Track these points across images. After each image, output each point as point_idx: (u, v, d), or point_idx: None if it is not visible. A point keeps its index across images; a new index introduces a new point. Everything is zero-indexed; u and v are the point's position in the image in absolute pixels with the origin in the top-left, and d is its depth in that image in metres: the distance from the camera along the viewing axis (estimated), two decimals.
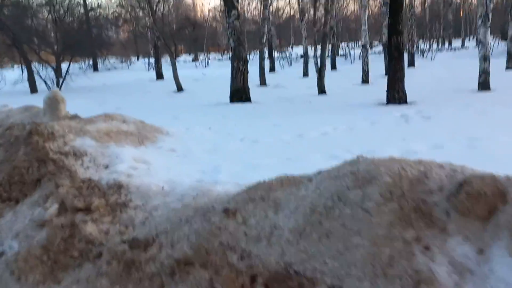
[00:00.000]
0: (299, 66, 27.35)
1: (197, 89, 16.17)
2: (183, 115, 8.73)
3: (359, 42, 36.91)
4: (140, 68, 34.29)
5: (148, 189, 3.28)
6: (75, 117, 5.48)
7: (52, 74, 19.34)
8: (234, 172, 3.95)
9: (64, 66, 20.84)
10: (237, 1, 10.05)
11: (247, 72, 10.31)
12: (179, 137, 5.95)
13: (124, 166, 3.88)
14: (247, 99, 10.32)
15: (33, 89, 17.15)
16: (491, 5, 10.09)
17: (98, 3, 27.94)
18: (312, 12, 22.56)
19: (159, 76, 22.63)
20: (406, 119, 6.70)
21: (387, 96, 8.52)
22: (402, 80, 8.46)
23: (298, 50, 40.01)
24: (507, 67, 14.95)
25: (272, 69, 24.78)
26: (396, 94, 8.41)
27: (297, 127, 6.41)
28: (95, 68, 33.35)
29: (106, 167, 3.95)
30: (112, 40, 37.93)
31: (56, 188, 3.27)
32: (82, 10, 31.36)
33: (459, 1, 37.88)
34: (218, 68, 31.17)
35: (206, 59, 32.73)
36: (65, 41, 22.16)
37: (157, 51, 22.89)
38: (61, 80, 18.49)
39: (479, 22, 12.03)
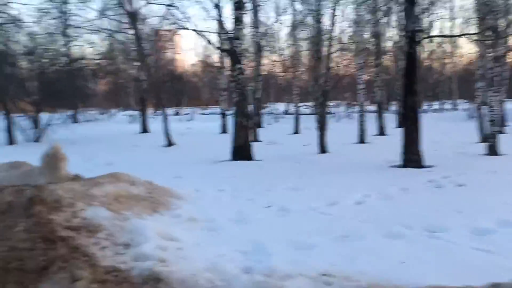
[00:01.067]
0: (285, 122, 27.31)
1: (187, 144, 15.50)
2: (185, 174, 8.00)
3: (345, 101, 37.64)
4: (121, 121, 33.60)
5: (195, 285, 2.51)
6: (77, 177, 4.70)
7: (26, 124, 18.44)
8: (285, 256, 3.22)
9: (42, 117, 19.88)
10: (243, 56, 9.71)
11: (250, 129, 9.78)
12: (193, 202, 5.21)
13: (151, 246, 3.12)
14: (249, 157, 9.71)
15: (12, 140, 16.11)
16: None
17: (81, 54, 26.98)
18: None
19: (144, 129, 21.96)
20: (438, 186, 6.18)
21: (404, 158, 8.05)
22: (418, 142, 8.06)
23: (279, 106, 40.31)
24: None
25: (259, 125, 24.52)
26: (412, 157, 7.97)
27: (321, 193, 5.78)
28: (75, 119, 32.39)
29: (127, 245, 3.17)
30: (93, 92, 37.41)
31: (72, 282, 2.46)
32: (65, 60, 30.96)
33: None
34: (203, 122, 30.83)
35: (191, 113, 32.28)
36: (45, 91, 21.42)
37: (143, 104, 22.36)
38: (41, 132, 17.50)
39: (478, 84, 12.10)
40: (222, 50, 10.07)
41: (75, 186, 4.18)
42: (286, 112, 35.10)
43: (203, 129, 23.78)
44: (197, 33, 9.73)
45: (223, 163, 9.63)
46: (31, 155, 13.08)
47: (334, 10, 11.86)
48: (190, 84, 54.07)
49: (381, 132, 17.40)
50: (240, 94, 9.65)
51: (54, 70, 27.12)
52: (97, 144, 16.37)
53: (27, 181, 4.59)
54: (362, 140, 14.67)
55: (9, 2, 16.16)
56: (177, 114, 42.61)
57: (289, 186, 6.39)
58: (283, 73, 23.00)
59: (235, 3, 9.55)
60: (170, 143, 15.09)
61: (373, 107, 20.21)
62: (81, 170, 6.27)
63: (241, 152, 9.65)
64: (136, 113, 35.13)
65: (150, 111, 43.90)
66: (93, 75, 37.29)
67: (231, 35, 9.54)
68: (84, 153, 12.77)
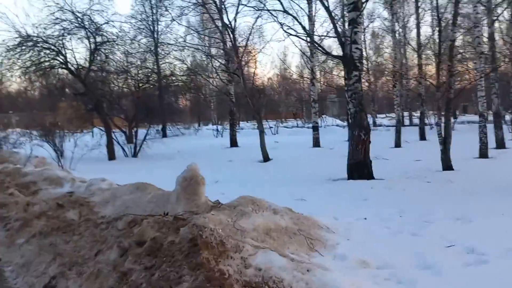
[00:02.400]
0: (377, 135, 25.56)
1: (284, 159, 14.71)
2: (305, 195, 7.10)
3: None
4: (207, 135, 33.97)
5: None
6: (217, 204, 3.97)
7: (122, 140, 18.90)
8: None
9: (135, 132, 20.32)
10: (361, 62, 8.69)
11: (370, 143, 8.68)
12: (346, 235, 4.26)
13: None
14: (370, 175, 8.59)
15: (112, 155, 16.47)
16: None
17: (171, 71, 27.54)
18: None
19: (234, 143, 21.64)
20: None
21: None
22: None
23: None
24: None
25: None
26: None
27: (503, 226, 4.54)
28: (164, 134, 33.31)
29: None
30: (179, 107, 38.53)
31: None
32: (155, 77, 32.10)
33: None
34: (288, 136, 30.03)
35: (276, 126, 31.69)
36: (138, 107, 22.03)
37: (233, 118, 22.09)
38: (137, 147, 17.79)
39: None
40: (335, 57, 9.12)
41: (222, 218, 3.43)
42: (375, 124, 33.20)
43: (291, 142, 22.90)
44: (310, 40, 8.91)
45: (340, 182, 8.62)
46: (132, 170, 13.18)
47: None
48: (267, 98, 54.04)
49: (501, 145, 15.24)
50: (358, 104, 8.61)
51: (146, 87, 28.11)
52: (192, 159, 16.04)
53: (161, 208, 3.96)
54: (484, 155, 12.83)
55: (109, 22, 16.68)
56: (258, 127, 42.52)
57: (449, 214, 5.19)
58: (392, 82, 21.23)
59: (350, 4, 8.61)
60: (266, 158, 14.41)
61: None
62: None
63: (360, 169, 8.57)
64: (220, 127, 35.51)
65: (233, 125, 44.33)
66: (180, 91, 38.40)
67: (348, 39, 8.58)
68: (183, 169, 12.48)
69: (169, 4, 25.75)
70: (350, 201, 6.50)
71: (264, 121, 41.21)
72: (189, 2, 17.39)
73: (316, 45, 9.16)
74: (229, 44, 17.09)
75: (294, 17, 9.80)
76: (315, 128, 19.79)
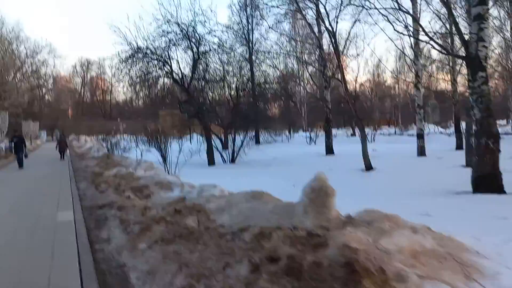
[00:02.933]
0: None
1: (388, 168, 13.80)
2: (430, 210, 6.38)
3: None
4: (300, 142, 33.68)
5: None
6: (350, 219, 3.57)
7: (220, 146, 19.30)
8: None
9: (230, 139, 20.64)
10: (486, 61, 7.73)
11: (499, 152, 7.65)
12: (503, 262, 3.58)
13: None
14: (500, 189, 7.55)
15: (211, 161, 16.88)
16: None
17: (264, 79, 27.64)
18: None
19: (330, 150, 21.04)
20: None
21: None
22: None
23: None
24: None
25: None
26: None
27: None
28: (257, 141, 33.72)
29: None
30: (271, 114, 38.92)
31: None
32: (250, 85, 32.75)
33: None
34: (386, 144, 28.54)
35: (373, 134, 30.36)
36: (233, 114, 22.44)
37: (328, 125, 21.50)
38: (235, 154, 18.04)
39: None
40: (458, 57, 8.23)
41: (361, 236, 3.03)
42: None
43: (391, 151, 21.63)
44: (429, 39, 8.14)
45: (464, 195, 7.69)
46: (233, 176, 13.31)
47: None
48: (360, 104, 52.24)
49: None
50: (485, 109, 7.64)
51: (241, 95, 28.65)
52: (290, 167, 15.92)
53: (286, 220, 3.67)
54: None
55: (211, 32, 17.24)
56: (353, 134, 41.19)
57: None
58: None
59: None
60: (368, 167, 13.64)
61: None
62: (289, 196, 5.38)
63: (487, 182, 7.55)
64: (313, 134, 35.00)
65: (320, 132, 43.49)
66: (273, 98, 38.64)
67: (472, 37, 7.68)
68: (286, 177, 12.24)
69: (266, 13, 25.88)
70: (485, 219, 5.67)
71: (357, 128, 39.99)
72: (286, 8, 17.31)
73: (438, 45, 8.32)
74: (326, 49, 16.69)
75: (411, 15, 9.09)
76: (420, 136, 18.42)
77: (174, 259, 3.77)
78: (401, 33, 8.79)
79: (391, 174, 12.11)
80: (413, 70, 18.96)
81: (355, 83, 40.71)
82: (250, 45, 32.21)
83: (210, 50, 17.38)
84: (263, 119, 29.43)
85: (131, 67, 16.09)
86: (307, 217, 3.49)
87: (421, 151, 18.24)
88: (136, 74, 16.41)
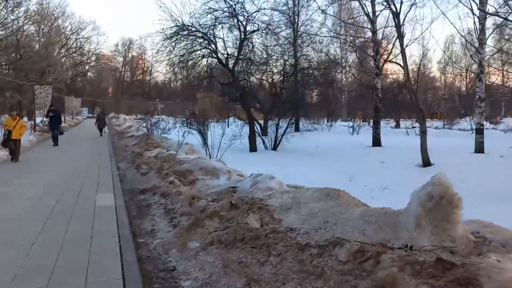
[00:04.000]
0: None
1: (448, 165, 12.56)
2: None
3: None
4: (341, 131, 32.43)
5: None
6: (484, 241, 2.66)
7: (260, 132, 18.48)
8: None
9: (270, 125, 19.75)
10: None
11: None
12: None
13: None
14: None
15: (253, 147, 16.13)
16: None
17: (308, 64, 26.44)
18: None
19: (377, 142, 19.82)
20: None
21: None
22: None
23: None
24: None
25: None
26: None
27: None
28: (297, 128, 32.71)
29: None
30: (311, 101, 37.58)
31: None
32: (292, 70, 31.59)
33: None
34: (435, 138, 26.87)
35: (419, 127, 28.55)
36: (274, 100, 21.49)
37: (377, 115, 20.25)
38: (278, 141, 17.21)
39: None
40: None
41: (509, 267, 2.13)
42: None
43: (444, 145, 20.05)
44: None
45: None
46: (277, 164, 12.48)
47: None
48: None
49: None
50: None
51: (283, 80, 27.62)
52: (336, 157, 14.93)
53: (387, 233, 2.81)
54: None
55: (259, 10, 16.29)
56: (397, 126, 39.43)
57: None
58: None
59: None
60: (427, 163, 12.49)
61: None
62: (362, 197, 4.54)
63: None
64: (356, 124, 33.67)
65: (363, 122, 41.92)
66: (316, 84, 37.31)
67: None
68: (336, 168, 11.31)
69: None
70: None
71: (401, 120, 38.14)
72: None
73: None
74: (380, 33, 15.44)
75: None
76: (479, 131, 16.91)
77: (238, 270, 3.00)
78: (483, 10, 7.47)
79: (455, 173, 10.94)
80: (476, 60, 17.36)
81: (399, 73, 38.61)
82: (295, 27, 31.00)
83: (258, 29, 16.48)
84: (303, 106, 28.32)
85: (175, 44, 15.44)
86: (421, 234, 2.61)
87: (479, 148, 16.77)
88: (180, 52, 15.73)
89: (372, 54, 20.02)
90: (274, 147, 17.26)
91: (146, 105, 57.23)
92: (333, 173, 10.36)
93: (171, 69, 18.24)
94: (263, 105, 23.57)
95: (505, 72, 24.23)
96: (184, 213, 5.27)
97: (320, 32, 29.64)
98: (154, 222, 5.17)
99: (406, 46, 12.00)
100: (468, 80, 62.63)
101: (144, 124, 21.43)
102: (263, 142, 17.27)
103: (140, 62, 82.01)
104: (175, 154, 10.63)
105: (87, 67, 59.14)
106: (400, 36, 11.98)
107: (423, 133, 12.40)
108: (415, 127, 31.27)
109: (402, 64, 12.59)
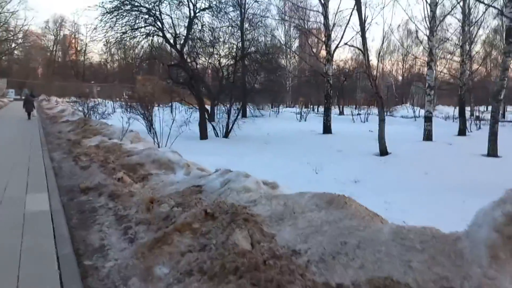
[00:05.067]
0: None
1: (404, 154, 12.44)
2: None
3: None
4: (288, 117, 32.06)
5: None
6: None
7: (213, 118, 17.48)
8: None
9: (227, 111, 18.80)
10: None
11: None
12: None
13: None
14: None
15: (204, 135, 15.10)
16: None
17: (256, 48, 25.62)
18: None
19: (327, 129, 19.54)
20: None
21: None
22: None
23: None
24: None
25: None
26: None
27: None
28: (244, 114, 31.88)
29: None
30: (257, 86, 36.80)
31: None
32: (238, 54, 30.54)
33: None
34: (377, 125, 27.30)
35: (367, 114, 29.05)
36: (223, 85, 20.51)
37: (328, 102, 19.93)
38: (229, 128, 16.32)
39: None
40: None
41: None
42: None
43: (391, 133, 20.22)
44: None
45: None
46: (233, 153, 11.56)
47: None
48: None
49: None
50: None
51: (230, 64, 26.55)
52: (292, 145, 14.35)
53: (445, 269, 2.05)
54: None
55: None
56: (341, 114, 39.84)
57: None
58: None
59: None
60: (384, 152, 12.23)
61: None
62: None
63: None
64: (304, 110, 33.49)
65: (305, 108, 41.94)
66: (259, 69, 36.48)
67: None
68: (295, 157, 10.64)
69: None
70: None
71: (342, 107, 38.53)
72: None
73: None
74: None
75: None
76: (428, 119, 17.11)
77: None
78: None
79: (414, 161, 10.74)
80: (426, 48, 17.48)
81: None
82: (243, 10, 29.86)
83: (210, 7, 15.29)
84: (251, 91, 27.52)
85: (116, 20, 13.87)
86: (501, 270, 1.89)
87: (428, 135, 16.99)
88: (121, 29, 14.17)
89: (323, 39, 19.54)
90: (226, 135, 16.36)
91: (80, 87, 53.50)
92: (295, 163, 9.70)
93: (108, 49, 16.61)
94: (210, 89, 22.47)
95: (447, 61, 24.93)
96: (141, 221, 4.28)
97: (267, 15, 28.76)
98: (104, 235, 4.12)
99: (367, 29, 11.51)
100: (404, 69, 65.16)
101: (80, 108, 19.57)
102: (214, 129, 16.29)
103: (74, 41, 76.71)
104: (120, 143, 9.39)
105: (13, 45, 54.09)
106: (361, 19, 11.48)
107: (382, 121, 12.10)
108: (360, 114, 31.70)
109: (362, 49, 12.12)
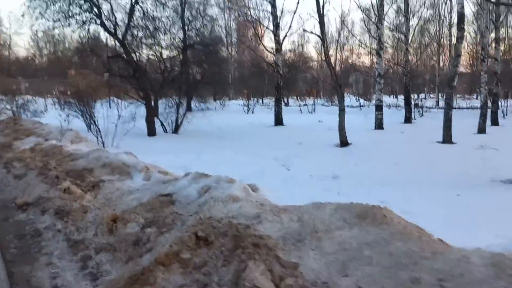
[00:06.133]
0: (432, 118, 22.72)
1: (364, 144, 12.16)
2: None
3: None
4: (236, 110, 31.25)
5: None
6: None
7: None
8: None
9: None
10: None
11: None
12: None
13: None
14: None
15: (152, 131, 13.94)
16: None
17: (199, 38, 24.58)
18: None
19: (279, 121, 19.01)
20: None
21: None
22: None
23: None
24: None
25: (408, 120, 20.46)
26: None
27: None
28: (189, 108, 30.58)
29: None
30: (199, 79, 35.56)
31: None
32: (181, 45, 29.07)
33: None
34: (326, 115, 27.19)
35: (314, 104, 29.01)
36: (163, 78, 19.27)
37: (279, 93, 19.40)
38: (179, 122, 15.29)
39: None
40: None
41: None
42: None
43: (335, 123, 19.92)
44: None
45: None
46: (187, 151, 10.56)
47: None
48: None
49: None
50: None
51: (172, 56, 25.13)
52: (248, 139, 13.59)
53: None
54: None
55: None
56: (286, 104, 39.65)
57: None
58: None
59: None
60: (345, 143, 11.85)
61: None
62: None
63: None
64: (252, 102, 32.84)
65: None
66: (202, 60, 35.20)
67: None
68: (258, 154, 9.89)
69: None
70: None
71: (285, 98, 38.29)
72: None
73: None
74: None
75: None
76: (379, 108, 17.11)
77: None
78: None
79: (375, 152, 10.43)
80: (375, 36, 17.43)
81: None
82: None
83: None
84: (194, 84, 26.36)
85: (46, 6, 12.28)
86: None
87: (379, 124, 17.01)
88: (54, 17, 12.59)
89: (272, 29, 18.91)
90: (176, 130, 15.29)
91: (6, 83, 49.07)
92: (260, 159, 8.97)
93: (35, 42, 14.78)
94: (152, 83, 21.08)
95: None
96: (103, 247, 3.35)
97: (208, 4, 27.60)
98: (55, 270, 3.14)
99: (323, 15, 10.98)
100: (342, 59, 66.60)
101: (8, 106, 17.49)
102: (162, 124, 15.16)
103: None
104: (60, 144, 8.13)
105: None
106: (319, 5, 10.94)
107: (342, 111, 11.70)
108: (306, 105, 31.62)
109: (321, 36, 11.60)
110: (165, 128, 15.13)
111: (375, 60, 19.21)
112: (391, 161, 8.83)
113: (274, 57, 19.45)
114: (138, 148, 9.47)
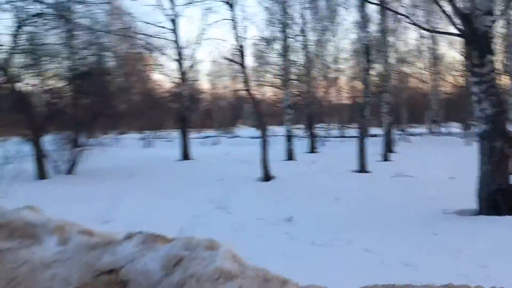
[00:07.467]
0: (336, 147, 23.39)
1: (285, 177, 11.65)
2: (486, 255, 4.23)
3: None
4: (131, 145, 29.02)
5: None
6: None
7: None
8: None
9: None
10: (493, 42, 6.18)
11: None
12: None
13: None
14: None
15: (42, 173, 11.78)
16: None
17: (88, 68, 22.52)
18: None
19: (186, 155, 17.83)
20: None
21: None
22: None
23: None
24: None
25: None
26: None
27: None
28: (78, 144, 27.58)
29: None
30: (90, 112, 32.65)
31: None
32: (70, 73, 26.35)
33: None
34: (230, 147, 26.62)
35: (218, 136, 28.33)
36: (48, 111, 17.02)
37: (185, 125, 18.32)
38: (74, 162, 13.32)
39: None
40: (459, 35, 6.30)
41: None
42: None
43: (247, 154, 19.25)
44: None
45: (475, 219, 5.87)
46: (94, 197, 8.77)
47: None
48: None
49: None
50: (497, 103, 6.05)
51: (59, 86, 22.64)
52: (164, 178, 12.03)
53: None
54: None
55: None
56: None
57: None
58: None
59: None
60: (267, 177, 11.22)
61: None
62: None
63: (504, 199, 5.94)
64: (150, 136, 30.95)
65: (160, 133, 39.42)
66: (93, 92, 32.63)
67: (479, 10, 6.01)
68: (183, 194, 8.68)
69: None
70: None
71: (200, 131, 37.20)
72: None
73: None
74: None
75: None
76: (289, 138, 17.01)
77: None
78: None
79: (308, 187, 9.90)
80: (282, 66, 17.50)
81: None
82: (71, 23, 26.05)
83: (43, 13, 12.17)
84: (83, 117, 23.95)
85: None
86: None
87: (290, 155, 16.86)
88: None
89: (176, 58, 17.90)
90: (70, 171, 13.25)
91: None
92: (188, 201, 7.83)
93: None
94: (35, 116, 18.42)
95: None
96: None
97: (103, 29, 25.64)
98: None
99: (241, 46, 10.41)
100: (234, 91, 67.69)
101: None
102: (55, 165, 13.01)
103: None
104: None
105: None
106: (237, 32, 10.34)
107: (264, 144, 11.09)
108: (208, 137, 30.86)
109: (241, 63, 10.96)
110: (58, 168, 13.01)
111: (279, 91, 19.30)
112: (330, 196, 8.37)
113: (177, 88, 18.42)
114: (32, 197, 7.68)
